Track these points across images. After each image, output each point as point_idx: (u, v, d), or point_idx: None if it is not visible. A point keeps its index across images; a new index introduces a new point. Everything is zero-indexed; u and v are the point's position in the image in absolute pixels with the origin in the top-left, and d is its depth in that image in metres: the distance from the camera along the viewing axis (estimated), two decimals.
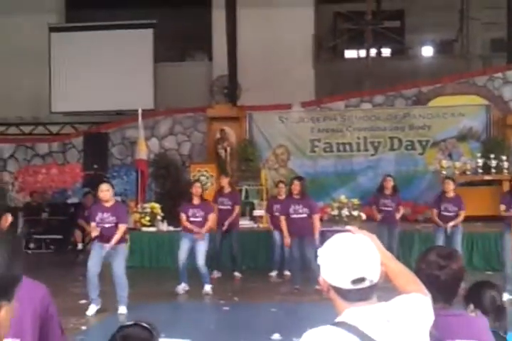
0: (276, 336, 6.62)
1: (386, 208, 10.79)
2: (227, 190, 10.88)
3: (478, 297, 3.19)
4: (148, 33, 16.51)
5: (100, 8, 16.97)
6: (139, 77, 16.25)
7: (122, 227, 8.07)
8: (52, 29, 16.85)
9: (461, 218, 9.93)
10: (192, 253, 9.29)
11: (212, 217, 9.57)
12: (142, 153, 13.05)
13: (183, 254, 9.30)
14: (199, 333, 6.63)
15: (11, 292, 1.22)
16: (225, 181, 10.94)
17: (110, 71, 16.16)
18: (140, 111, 13.06)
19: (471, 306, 3.13)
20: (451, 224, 9.84)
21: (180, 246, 9.40)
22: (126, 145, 15.17)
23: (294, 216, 9.45)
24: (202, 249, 9.25)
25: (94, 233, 8.09)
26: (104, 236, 8.01)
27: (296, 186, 9.55)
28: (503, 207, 8.92)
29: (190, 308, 8.82)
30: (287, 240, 9.42)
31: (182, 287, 9.36)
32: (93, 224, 8.13)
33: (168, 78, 16.48)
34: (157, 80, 16.47)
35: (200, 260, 9.19)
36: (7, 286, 1.20)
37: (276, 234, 10.61)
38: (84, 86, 16.14)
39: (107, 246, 7.91)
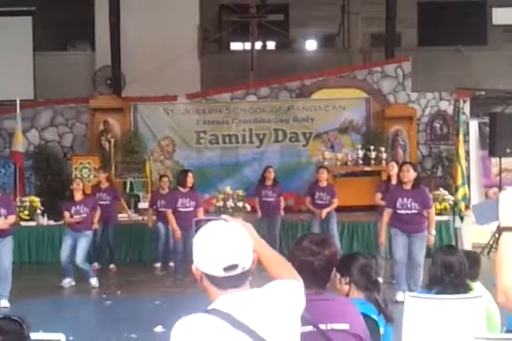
0: (159, 328, 6.59)
1: (268, 199, 11.03)
2: (104, 185, 10.76)
3: (348, 266, 3.28)
4: (27, 20, 15.90)
5: None
6: (17, 67, 15.64)
7: (11, 218, 7.97)
8: None
9: (334, 206, 10.36)
10: (75, 249, 9.18)
11: (97, 214, 9.51)
12: (18, 145, 12.67)
13: (65, 252, 9.17)
14: (80, 328, 6.50)
15: None
16: (102, 176, 10.84)
17: None
18: (18, 101, 12.62)
19: (338, 275, 3.22)
20: (325, 211, 10.18)
21: (63, 244, 9.29)
22: (3, 136, 14.57)
23: (182, 209, 9.49)
24: (83, 245, 9.18)
25: None
26: None
27: (190, 179, 9.60)
28: (379, 195, 9.23)
29: (73, 303, 8.65)
30: (177, 234, 9.40)
31: (68, 281, 9.24)
32: None
33: (49, 68, 15.95)
34: (37, 70, 15.90)
35: (80, 257, 9.12)
36: None
37: (161, 226, 10.60)
38: None
39: None
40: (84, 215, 9.28)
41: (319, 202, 10.38)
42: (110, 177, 11.46)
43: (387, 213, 8.01)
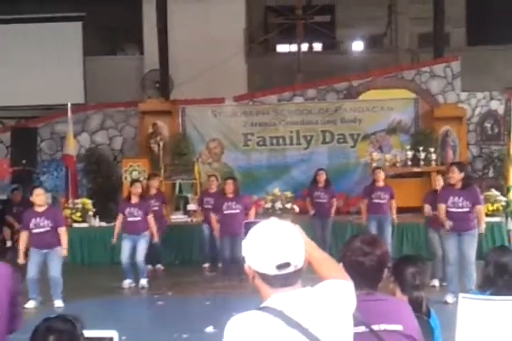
0: (210, 328, 6.63)
1: (320, 200, 11.04)
2: (153, 191, 10.85)
3: (401, 269, 3.27)
4: (78, 25, 16.19)
5: (27, 1, 16.56)
6: (68, 71, 15.94)
7: (63, 230, 8.25)
8: None
9: (394, 205, 10.26)
10: (133, 251, 9.43)
11: (151, 220, 9.62)
12: (70, 148, 12.92)
13: (125, 256, 9.40)
14: (133, 327, 6.56)
15: None
16: (155, 183, 10.96)
17: (39, 65, 15.78)
18: (69, 106, 12.86)
19: (391, 278, 3.22)
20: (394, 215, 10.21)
21: (122, 249, 9.49)
22: (56, 140, 14.87)
23: (227, 212, 9.62)
24: (143, 246, 9.43)
25: (22, 243, 8.21)
26: (40, 242, 8.08)
27: (230, 186, 9.77)
28: (428, 207, 9.00)
29: (125, 303, 8.79)
30: (216, 232, 9.70)
31: (128, 282, 9.48)
32: (24, 233, 8.23)
33: (98, 72, 16.22)
34: (87, 74, 16.18)
35: (140, 257, 9.39)
36: None
37: (206, 228, 10.71)
38: (12, 80, 15.73)
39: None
40: (139, 218, 9.43)
41: (377, 200, 10.26)
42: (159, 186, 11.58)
43: (441, 208, 7.89)
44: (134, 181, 10.17)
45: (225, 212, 9.72)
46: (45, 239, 8.06)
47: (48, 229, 8.10)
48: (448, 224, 7.81)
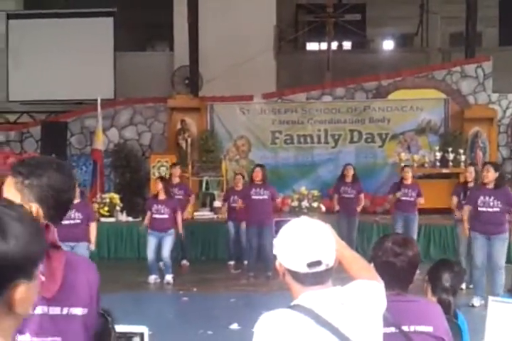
0: (234, 326, 6.64)
1: (347, 195, 10.94)
2: (176, 180, 10.86)
3: (438, 273, 3.26)
4: (109, 21, 16.29)
5: None
6: (98, 66, 16.04)
7: (94, 225, 8.41)
8: (11, 16, 16.53)
9: (422, 201, 10.17)
10: (159, 248, 9.49)
11: (180, 217, 9.69)
12: (98, 143, 13.02)
13: (151, 253, 9.48)
14: (158, 323, 6.58)
15: (30, 271, 1.22)
16: (176, 171, 10.97)
17: (69, 59, 15.90)
18: (99, 101, 12.96)
19: (426, 279, 3.22)
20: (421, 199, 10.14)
21: (148, 245, 9.55)
22: (85, 134, 14.99)
23: (255, 197, 9.65)
24: (168, 243, 9.49)
25: None
26: (68, 234, 7.86)
27: (258, 173, 9.80)
28: (455, 199, 8.99)
29: (150, 298, 8.83)
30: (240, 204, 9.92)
31: (154, 277, 9.56)
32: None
33: (128, 68, 16.30)
34: (117, 70, 16.28)
35: (166, 252, 9.45)
36: (27, 265, 1.21)
37: (231, 225, 10.71)
38: (43, 74, 15.88)
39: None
40: (166, 216, 9.48)
41: (405, 198, 10.18)
42: (181, 174, 11.59)
43: (466, 210, 7.85)
44: (160, 178, 10.21)
45: (253, 197, 9.71)
46: (74, 232, 7.99)
47: (78, 221, 8.10)
48: (466, 229, 7.83)
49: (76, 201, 8.11)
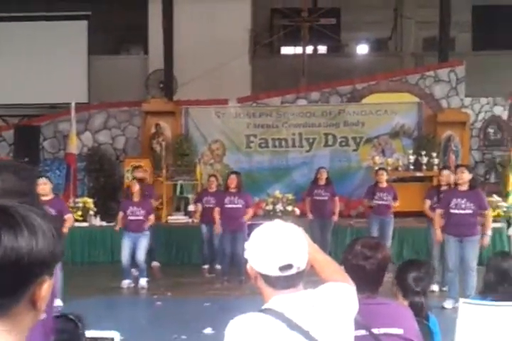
0: (208, 330, 6.62)
1: (320, 198, 10.96)
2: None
3: (403, 274, 3.28)
4: (83, 24, 16.23)
5: None
6: (72, 70, 15.97)
7: (70, 217, 8.14)
8: None
9: (396, 204, 10.22)
10: (133, 250, 9.40)
11: (152, 218, 9.61)
12: (72, 147, 12.94)
13: (126, 255, 9.38)
14: (131, 327, 6.56)
15: (53, 268, 1.24)
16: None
17: (43, 63, 15.81)
18: (73, 105, 12.88)
19: (394, 282, 3.24)
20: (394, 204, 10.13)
21: (123, 247, 9.45)
22: (58, 138, 14.88)
23: (229, 206, 9.58)
24: (144, 245, 9.39)
25: None
26: None
27: (233, 180, 9.73)
28: (428, 202, 9.07)
29: (124, 303, 8.79)
30: (218, 229, 9.67)
31: (127, 282, 9.45)
32: None
33: (103, 71, 16.24)
34: (91, 73, 16.22)
35: (141, 255, 9.35)
36: (52, 262, 1.22)
37: (204, 228, 10.67)
38: (17, 78, 15.76)
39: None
40: (141, 217, 9.42)
41: (380, 202, 10.22)
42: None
43: (438, 214, 7.93)
44: (136, 179, 10.10)
45: (227, 206, 9.64)
46: None
47: None
48: (438, 234, 7.91)
49: (48, 198, 8.00)
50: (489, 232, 7.88)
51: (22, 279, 1.17)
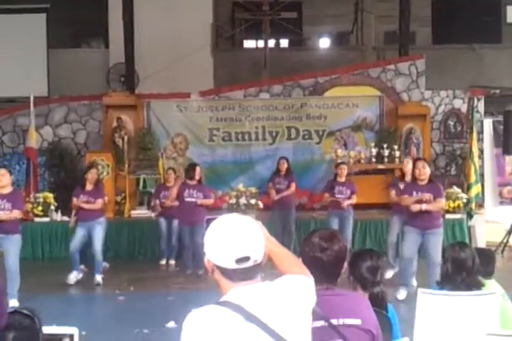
0: (171, 324, 6.61)
1: (279, 186, 11.08)
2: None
3: (356, 264, 3.30)
4: (41, 17, 15.98)
5: None
6: (31, 63, 15.72)
7: (15, 213, 7.63)
8: None
9: (354, 200, 10.21)
10: (86, 241, 9.12)
11: (100, 202, 9.22)
12: (32, 141, 12.77)
13: (75, 242, 9.08)
14: (93, 323, 6.52)
15: None
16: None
17: (1, 56, 15.54)
18: (32, 98, 12.70)
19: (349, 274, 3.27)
20: (347, 202, 10.09)
21: (75, 235, 9.17)
22: (18, 133, 14.65)
23: (188, 199, 9.54)
24: (99, 234, 9.08)
25: None
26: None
27: (194, 171, 9.67)
28: (393, 192, 9.15)
29: (86, 299, 8.72)
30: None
31: (74, 275, 9.16)
32: None
33: (63, 65, 16.03)
34: (51, 67, 15.99)
35: (97, 245, 9.03)
36: None
37: (163, 221, 10.65)
38: None
39: None
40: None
41: (339, 195, 10.23)
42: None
43: (406, 198, 7.80)
44: (88, 168, 9.84)
45: (186, 199, 9.58)
46: (2, 223, 7.49)
47: (7, 212, 7.57)
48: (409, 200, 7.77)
49: (8, 190, 7.68)
50: (429, 206, 7.65)
51: None
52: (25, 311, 2.38)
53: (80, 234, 9.13)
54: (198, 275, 9.27)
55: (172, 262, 10.64)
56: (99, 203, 9.19)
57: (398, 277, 8.23)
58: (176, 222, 10.44)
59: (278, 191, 11.06)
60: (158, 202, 10.91)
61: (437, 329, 4.00)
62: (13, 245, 7.64)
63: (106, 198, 9.84)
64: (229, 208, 11.51)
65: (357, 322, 2.63)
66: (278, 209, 10.99)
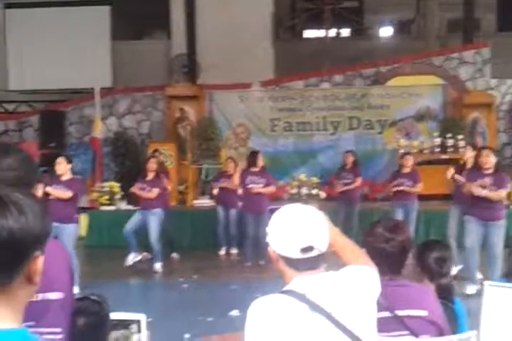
0: (235, 312, 6.67)
1: (345, 180, 10.99)
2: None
3: (423, 255, 3.25)
4: (105, 10, 16.24)
5: None
6: (96, 55, 16.01)
7: (69, 194, 7.56)
8: (7, 5, 16.49)
9: (416, 189, 10.02)
10: (141, 225, 9.25)
11: (155, 191, 9.29)
12: (97, 131, 13.04)
13: (130, 224, 9.24)
14: (157, 310, 6.63)
15: (44, 244, 1.31)
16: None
17: (67, 49, 15.86)
18: (97, 90, 12.95)
19: (416, 266, 3.22)
20: (407, 188, 9.93)
21: (132, 217, 9.36)
22: (84, 123, 14.98)
23: (251, 185, 9.54)
24: (154, 224, 9.18)
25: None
26: (53, 214, 7.34)
27: (255, 158, 9.68)
28: (451, 170, 9.00)
29: (150, 286, 8.86)
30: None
31: (132, 257, 9.31)
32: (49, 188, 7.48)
33: (126, 56, 16.27)
34: (115, 58, 16.25)
35: (153, 237, 9.15)
36: (43, 238, 1.29)
37: (220, 209, 10.69)
38: (41, 64, 15.85)
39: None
40: (150, 194, 9.27)
41: (402, 187, 10.01)
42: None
43: (469, 185, 7.55)
44: (149, 157, 9.95)
45: (249, 186, 9.62)
46: (57, 211, 7.32)
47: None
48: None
49: (65, 177, 7.70)
50: (490, 194, 7.40)
51: (16, 255, 1.23)
52: (93, 297, 2.42)
53: (136, 218, 9.31)
54: (260, 265, 9.30)
55: (234, 251, 10.70)
56: (154, 192, 9.27)
57: (463, 271, 8.06)
58: (233, 211, 10.49)
59: (344, 186, 10.99)
60: (217, 189, 10.91)
61: (505, 323, 3.92)
62: (66, 235, 7.47)
63: (169, 188, 9.97)
64: (290, 198, 11.50)
65: (423, 313, 2.61)
66: (342, 201, 10.94)
